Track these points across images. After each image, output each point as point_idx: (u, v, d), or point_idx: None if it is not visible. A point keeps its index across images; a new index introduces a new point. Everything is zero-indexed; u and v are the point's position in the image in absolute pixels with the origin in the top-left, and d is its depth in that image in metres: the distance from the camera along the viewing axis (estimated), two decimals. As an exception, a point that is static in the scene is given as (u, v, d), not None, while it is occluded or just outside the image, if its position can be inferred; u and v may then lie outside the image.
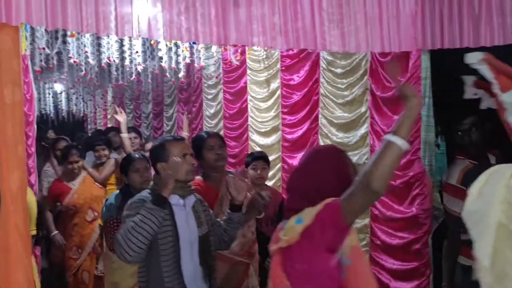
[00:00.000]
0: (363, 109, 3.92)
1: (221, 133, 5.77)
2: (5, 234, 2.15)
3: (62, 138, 5.37)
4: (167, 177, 2.15)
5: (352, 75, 3.98)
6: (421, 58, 3.35)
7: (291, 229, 1.62)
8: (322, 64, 4.24)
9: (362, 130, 3.93)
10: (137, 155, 3.27)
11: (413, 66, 3.38)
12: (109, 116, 9.11)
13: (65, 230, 4.34)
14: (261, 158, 3.63)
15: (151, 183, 2.34)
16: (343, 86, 4.07)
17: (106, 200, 3.36)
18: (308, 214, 1.59)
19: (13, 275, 2.11)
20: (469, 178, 2.31)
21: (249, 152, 5.30)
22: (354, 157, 4.00)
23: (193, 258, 2.22)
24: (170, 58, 4.68)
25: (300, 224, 1.59)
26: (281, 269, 1.65)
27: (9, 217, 2.15)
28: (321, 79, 4.27)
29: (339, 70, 4.09)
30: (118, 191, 3.28)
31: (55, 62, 4.76)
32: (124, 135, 4.69)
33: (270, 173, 4.97)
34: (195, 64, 5.03)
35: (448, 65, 3.39)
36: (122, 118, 4.72)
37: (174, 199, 2.22)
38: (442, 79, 3.40)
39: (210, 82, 5.97)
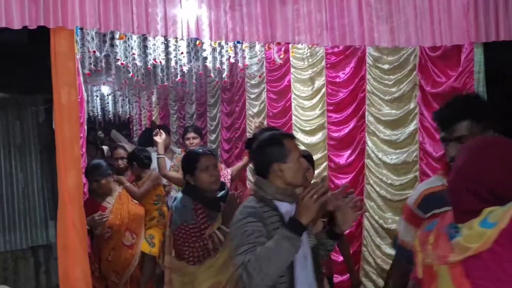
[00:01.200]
0: (411, 105, 3.82)
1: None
2: (64, 231, 2.22)
3: (120, 146, 5.04)
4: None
5: (400, 71, 3.88)
6: (474, 51, 3.22)
7: (478, 234, 1.34)
8: (369, 60, 4.17)
9: (411, 127, 3.83)
10: (201, 150, 2.85)
11: (466, 60, 3.26)
12: (153, 117, 9.29)
13: (101, 255, 3.80)
14: (305, 157, 3.36)
15: (253, 186, 2.03)
16: (390, 83, 3.98)
17: (173, 201, 2.86)
18: (499, 216, 1.32)
19: (72, 271, 2.18)
20: (428, 203, 1.93)
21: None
22: (403, 155, 3.91)
23: (308, 273, 1.96)
24: (214, 58, 4.72)
25: (492, 228, 1.32)
26: (469, 283, 1.36)
27: (67, 215, 2.22)
28: (368, 76, 4.19)
29: (386, 66, 4.00)
30: (180, 193, 2.83)
31: (103, 65, 4.88)
32: (161, 156, 4.27)
33: (316, 172, 4.94)
34: (239, 64, 5.04)
35: (503, 58, 3.26)
36: (160, 139, 4.39)
37: (284, 207, 1.94)
38: (496, 73, 3.27)
39: (253, 82, 5.97)
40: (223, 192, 2.81)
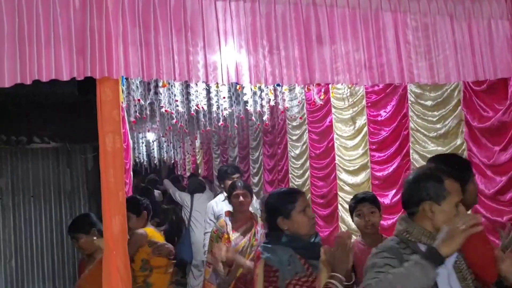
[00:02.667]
0: (458, 141, 3.70)
1: (308, 173, 5.74)
2: (108, 277, 2.23)
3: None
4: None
5: (444, 106, 3.80)
6: (521, 84, 3.12)
7: None
8: (410, 97, 4.11)
9: (458, 163, 3.69)
10: (294, 189, 2.69)
11: (513, 92, 3.16)
12: (198, 162, 9.42)
13: None
14: (367, 200, 3.02)
15: (399, 228, 1.82)
16: (434, 119, 3.90)
17: (264, 255, 2.29)
18: None
19: (115, 317, 2.17)
20: None
21: (337, 192, 5.20)
22: (452, 193, 3.76)
23: None
24: (255, 102, 4.79)
25: None
26: None
27: (112, 261, 2.24)
28: (410, 113, 4.12)
29: (429, 103, 3.93)
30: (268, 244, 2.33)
31: (148, 112, 5.04)
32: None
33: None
34: (279, 106, 5.09)
35: (553, 89, 3.14)
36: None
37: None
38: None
39: (294, 123, 5.99)
40: (317, 237, 2.43)
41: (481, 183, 3.51)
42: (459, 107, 3.66)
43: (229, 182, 4.22)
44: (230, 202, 3.78)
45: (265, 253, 2.27)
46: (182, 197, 6.09)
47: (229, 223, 3.64)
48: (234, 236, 3.59)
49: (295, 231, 2.27)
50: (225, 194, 4.38)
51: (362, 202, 3.00)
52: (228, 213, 3.73)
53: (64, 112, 5.08)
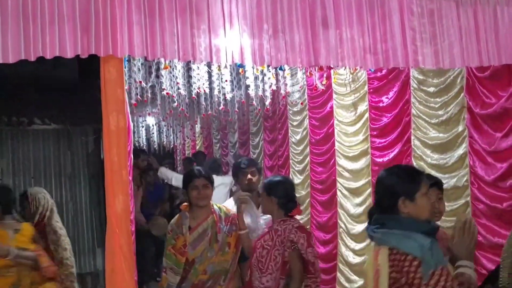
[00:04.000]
0: (460, 128, 3.70)
1: (308, 159, 5.75)
2: (111, 256, 2.24)
3: None
4: None
5: (447, 93, 3.79)
6: (525, 70, 3.12)
7: None
8: (413, 83, 4.10)
9: (460, 150, 3.70)
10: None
11: (516, 79, 3.15)
12: (197, 147, 9.42)
13: None
14: (436, 185, 2.82)
15: None
16: (436, 106, 3.89)
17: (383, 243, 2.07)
18: None
19: (119, 295, 2.19)
20: None
21: (336, 178, 5.21)
22: (452, 179, 3.77)
23: None
24: (256, 86, 4.77)
25: None
26: None
27: (115, 239, 2.25)
28: (412, 99, 4.11)
29: (431, 89, 3.92)
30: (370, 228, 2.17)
31: (149, 95, 5.03)
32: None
33: (360, 199, 4.85)
34: (281, 91, 5.08)
35: (556, 76, 3.14)
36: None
37: None
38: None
39: (295, 109, 5.99)
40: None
41: (481, 169, 3.52)
42: (462, 94, 3.66)
43: (245, 179, 3.80)
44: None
45: (390, 240, 2.03)
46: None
47: (187, 222, 3.18)
48: (191, 238, 3.15)
49: (416, 215, 2.07)
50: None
51: (432, 187, 2.62)
52: (186, 207, 3.26)
53: (65, 94, 5.07)
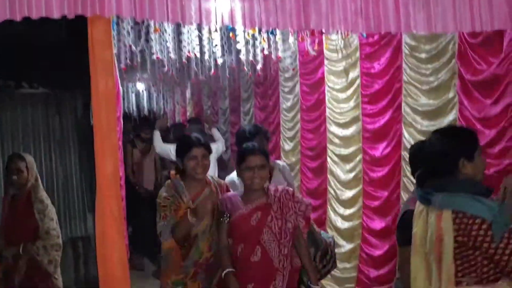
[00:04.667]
0: (450, 94, 3.71)
1: (298, 126, 5.75)
2: (101, 219, 2.26)
3: None
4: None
5: (438, 59, 3.78)
6: (517, 37, 3.10)
7: None
8: (405, 49, 4.07)
9: (450, 117, 3.72)
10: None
11: (508, 45, 3.14)
12: (188, 113, 9.38)
13: None
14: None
15: None
16: (428, 72, 3.88)
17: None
18: None
19: (109, 258, 2.21)
20: None
21: (327, 144, 5.23)
22: (441, 146, 3.80)
23: None
24: (247, 51, 4.71)
25: None
26: None
27: (104, 202, 2.26)
28: (404, 66, 4.09)
29: (423, 55, 3.90)
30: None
31: (138, 60, 4.96)
32: None
33: (350, 165, 4.89)
34: (272, 57, 5.02)
35: (548, 43, 3.13)
36: None
37: None
38: (541, 58, 3.14)
39: (286, 75, 5.95)
40: None
41: (471, 136, 3.55)
42: (453, 60, 3.64)
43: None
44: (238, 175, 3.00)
45: (454, 203, 1.98)
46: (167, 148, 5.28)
47: (184, 191, 2.95)
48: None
49: (473, 176, 2.07)
50: None
51: None
52: (175, 175, 3.07)
53: (53, 58, 4.98)
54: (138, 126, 7.18)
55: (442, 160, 2.08)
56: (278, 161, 4.13)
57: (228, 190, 3.14)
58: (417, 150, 2.66)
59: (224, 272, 2.80)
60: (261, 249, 2.80)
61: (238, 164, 2.92)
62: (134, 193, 5.95)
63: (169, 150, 5.07)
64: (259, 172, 2.84)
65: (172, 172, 3.11)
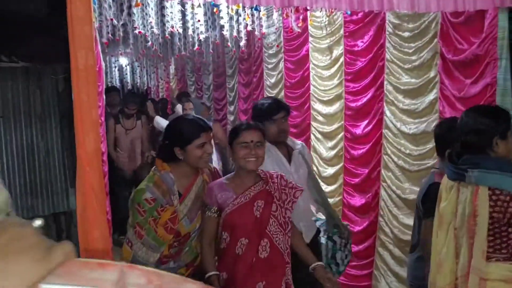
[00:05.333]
0: (432, 73, 3.74)
1: (282, 102, 5.74)
2: (83, 195, 2.26)
3: None
4: None
5: (421, 38, 3.80)
6: (498, 17, 3.12)
7: None
8: (388, 28, 4.08)
9: (431, 96, 3.76)
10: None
11: (489, 25, 3.17)
12: (172, 88, 9.30)
13: None
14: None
15: None
16: (410, 51, 3.90)
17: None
18: None
19: (91, 233, 2.23)
20: None
21: (310, 122, 5.26)
22: (422, 124, 3.86)
23: None
24: (231, 27, 4.67)
25: None
26: None
27: (86, 178, 2.25)
28: (387, 44, 4.11)
29: (406, 34, 3.92)
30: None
31: (121, 34, 4.88)
32: None
33: (332, 143, 4.93)
34: (256, 33, 4.99)
35: (528, 23, 3.16)
36: None
37: None
38: (521, 39, 3.18)
39: (270, 51, 5.92)
40: None
41: (450, 115, 3.59)
42: (436, 39, 3.66)
43: (273, 126, 3.00)
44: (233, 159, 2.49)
45: (491, 180, 2.07)
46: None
47: (174, 188, 2.37)
48: (184, 209, 2.40)
49: (505, 154, 2.16)
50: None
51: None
52: (162, 164, 2.41)
53: (34, 31, 4.87)
54: (122, 101, 6.71)
55: (478, 137, 2.15)
56: (296, 140, 3.39)
57: (219, 175, 2.70)
58: (446, 130, 2.64)
59: (208, 275, 2.35)
60: (270, 243, 2.39)
61: (231, 141, 2.45)
62: (115, 171, 5.70)
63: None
64: (256, 149, 2.38)
65: (159, 161, 2.42)
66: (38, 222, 0.68)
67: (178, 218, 2.34)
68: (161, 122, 5.65)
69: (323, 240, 3.25)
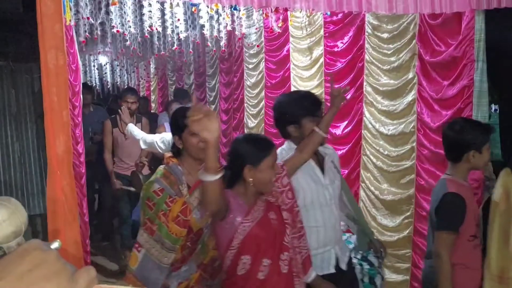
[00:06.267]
0: (410, 75, 3.75)
1: (262, 103, 5.73)
2: (53, 197, 2.21)
3: None
4: None
5: (399, 39, 3.80)
6: (475, 19, 3.14)
7: None
8: (368, 29, 4.08)
9: (409, 97, 3.77)
10: None
11: (466, 27, 3.18)
12: (152, 88, 9.21)
13: None
14: None
15: None
16: (389, 52, 3.91)
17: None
18: None
19: (61, 236, 2.17)
20: None
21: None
22: (400, 125, 3.87)
23: None
24: (211, 26, 4.62)
25: None
26: None
27: (56, 181, 2.20)
28: (366, 45, 4.11)
29: (385, 35, 3.92)
30: None
31: (99, 32, 4.80)
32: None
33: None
34: (236, 33, 4.95)
35: (504, 26, 3.19)
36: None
37: None
38: (497, 41, 3.20)
39: (251, 51, 5.89)
40: None
41: (428, 116, 3.62)
42: (414, 41, 3.68)
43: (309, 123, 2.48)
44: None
45: None
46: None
47: (183, 179, 2.22)
48: (195, 201, 2.23)
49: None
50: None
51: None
52: (170, 158, 2.27)
53: (8, 29, 4.77)
54: (120, 96, 5.58)
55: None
56: (327, 145, 2.76)
57: None
58: (459, 131, 2.47)
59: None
60: (289, 256, 2.19)
61: (256, 161, 2.08)
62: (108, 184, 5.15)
63: (155, 142, 3.97)
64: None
65: (167, 154, 2.33)
66: (56, 245, 0.65)
67: (189, 209, 2.17)
68: (134, 131, 4.34)
69: (355, 261, 2.81)
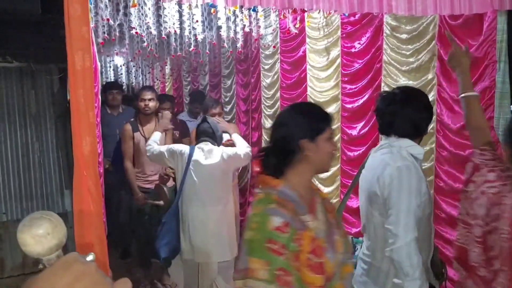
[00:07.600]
0: (429, 76, 3.74)
1: (278, 104, 5.73)
2: (79, 197, 2.24)
3: None
4: None
5: (419, 40, 3.79)
6: (497, 20, 3.12)
7: None
8: (386, 30, 4.07)
9: (429, 98, 3.75)
10: None
11: (488, 28, 3.16)
12: (167, 89, 9.27)
13: None
14: None
15: None
16: (408, 53, 3.90)
17: None
18: None
19: (87, 236, 2.20)
20: None
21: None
22: (419, 126, 3.84)
23: None
24: (228, 27, 4.65)
25: None
26: None
27: (82, 181, 2.24)
28: (385, 46, 4.10)
29: (404, 36, 3.91)
30: None
31: (117, 34, 4.84)
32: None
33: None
34: (253, 34, 4.97)
35: (527, 27, 3.16)
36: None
37: None
38: (519, 42, 3.18)
39: (267, 52, 5.90)
40: None
41: (448, 117, 3.60)
42: (433, 42, 3.66)
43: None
44: None
45: None
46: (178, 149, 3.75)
47: (303, 208, 1.71)
48: (323, 233, 1.70)
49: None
50: None
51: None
52: (272, 181, 1.72)
53: (28, 31, 4.84)
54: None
55: None
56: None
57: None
58: None
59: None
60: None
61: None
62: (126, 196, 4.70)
63: (164, 153, 3.72)
64: None
65: (264, 177, 1.75)
66: (91, 257, 0.67)
67: (321, 245, 1.62)
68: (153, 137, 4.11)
69: None
